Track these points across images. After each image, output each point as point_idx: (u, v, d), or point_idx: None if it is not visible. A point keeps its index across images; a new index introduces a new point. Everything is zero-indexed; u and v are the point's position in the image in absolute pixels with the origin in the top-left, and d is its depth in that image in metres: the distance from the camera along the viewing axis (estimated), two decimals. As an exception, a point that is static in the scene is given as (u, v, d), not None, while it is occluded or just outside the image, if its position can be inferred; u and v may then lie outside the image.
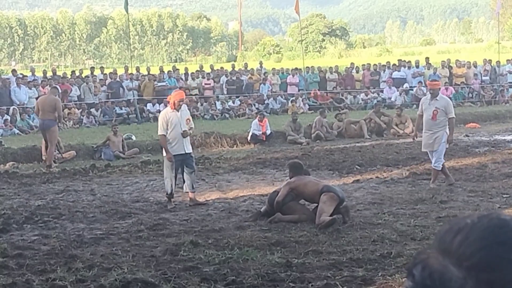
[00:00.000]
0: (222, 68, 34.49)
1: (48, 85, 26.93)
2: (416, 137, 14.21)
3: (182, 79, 31.29)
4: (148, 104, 28.48)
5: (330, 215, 10.24)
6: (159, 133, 12.72)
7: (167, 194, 12.71)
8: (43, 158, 18.64)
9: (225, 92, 30.88)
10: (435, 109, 13.20)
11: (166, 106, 13.41)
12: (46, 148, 18.76)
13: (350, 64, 35.41)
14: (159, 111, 28.07)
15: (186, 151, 12.71)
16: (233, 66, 34.34)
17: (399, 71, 33.30)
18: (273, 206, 10.99)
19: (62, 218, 11.47)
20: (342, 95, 31.68)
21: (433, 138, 13.29)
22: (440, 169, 13.57)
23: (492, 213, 1.12)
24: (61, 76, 30.12)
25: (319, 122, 22.84)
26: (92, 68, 32.64)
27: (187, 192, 12.96)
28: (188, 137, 12.87)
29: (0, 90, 26.18)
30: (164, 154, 12.66)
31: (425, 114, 13.40)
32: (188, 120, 12.78)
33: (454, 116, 13.60)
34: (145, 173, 16.50)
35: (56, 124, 18.06)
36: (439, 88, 14.14)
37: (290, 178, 11.38)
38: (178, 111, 12.62)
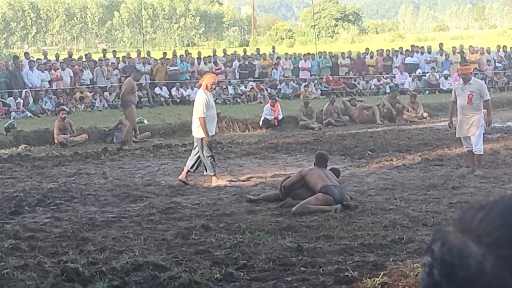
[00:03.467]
0: (235, 52, 34.47)
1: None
2: (452, 124, 13.72)
3: (194, 63, 31.26)
4: (156, 88, 28.34)
5: (311, 211, 10.24)
6: (200, 115, 12.76)
7: (214, 173, 12.91)
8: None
9: (237, 77, 30.86)
10: (470, 93, 12.92)
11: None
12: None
13: (364, 49, 35.31)
14: (170, 95, 28.18)
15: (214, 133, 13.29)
16: (245, 51, 34.29)
17: (412, 56, 33.18)
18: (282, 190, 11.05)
19: (74, 201, 11.51)
20: (355, 81, 31.58)
21: (470, 123, 12.98)
22: (482, 153, 13.36)
23: None
24: (76, 59, 30.13)
25: (328, 111, 22.77)
26: (104, 51, 32.62)
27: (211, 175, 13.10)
28: None
29: (14, 73, 26.23)
30: (201, 135, 12.81)
31: (459, 99, 13.09)
32: None
33: (489, 98, 13.44)
34: (157, 157, 16.52)
35: (130, 105, 18.26)
36: (471, 72, 13.95)
37: (314, 165, 11.45)
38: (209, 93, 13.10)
